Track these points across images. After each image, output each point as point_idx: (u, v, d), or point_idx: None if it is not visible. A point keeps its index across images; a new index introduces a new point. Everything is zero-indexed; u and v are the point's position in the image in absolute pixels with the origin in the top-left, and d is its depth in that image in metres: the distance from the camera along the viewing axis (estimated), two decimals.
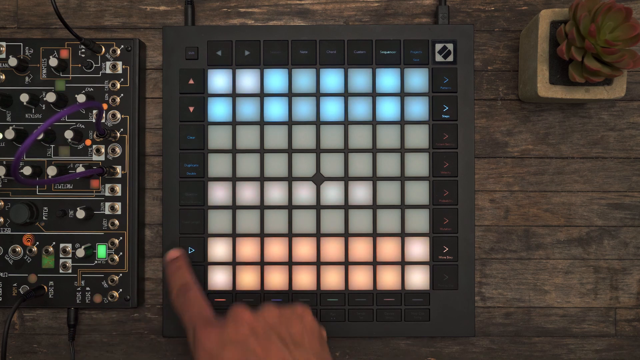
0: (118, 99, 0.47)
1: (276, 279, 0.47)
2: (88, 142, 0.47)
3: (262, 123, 0.48)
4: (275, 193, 0.47)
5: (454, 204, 0.47)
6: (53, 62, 0.46)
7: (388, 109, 0.47)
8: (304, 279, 0.47)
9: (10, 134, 0.45)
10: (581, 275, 0.49)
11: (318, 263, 0.47)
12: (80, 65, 0.47)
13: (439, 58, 0.47)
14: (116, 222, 0.47)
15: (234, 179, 0.47)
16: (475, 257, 0.49)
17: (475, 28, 0.49)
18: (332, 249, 0.47)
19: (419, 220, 0.47)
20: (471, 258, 0.47)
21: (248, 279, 0.47)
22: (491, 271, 0.49)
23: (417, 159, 0.47)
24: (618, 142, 0.49)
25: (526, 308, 0.49)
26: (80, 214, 0.46)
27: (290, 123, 0.47)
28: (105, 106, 0.47)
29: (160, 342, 0.49)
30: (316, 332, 0.40)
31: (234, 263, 0.47)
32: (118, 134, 0.47)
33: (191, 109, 0.47)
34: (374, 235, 0.47)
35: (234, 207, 0.47)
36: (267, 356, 0.36)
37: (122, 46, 0.47)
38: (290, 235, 0.47)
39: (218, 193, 0.47)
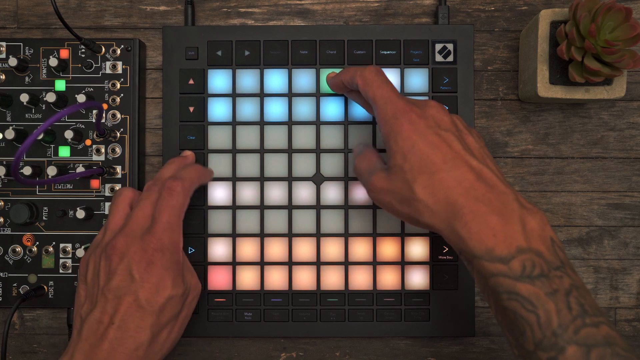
0: (118, 99, 0.47)
1: (276, 279, 0.47)
2: (88, 142, 0.47)
3: (262, 123, 0.48)
4: (275, 193, 0.47)
5: None
6: (53, 62, 0.46)
7: None
8: (304, 279, 0.47)
9: (10, 134, 0.45)
10: (581, 275, 0.49)
11: (318, 263, 0.47)
12: (80, 65, 0.47)
13: (439, 58, 0.47)
14: None
15: (234, 179, 0.47)
16: None
17: (475, 28, 0.49)
18: (332, 249, 0.47)
19: None
20: None
21: (248, 279, 0.47)
22: None
23: None
24: (618, 142, 0.49)
25: None
26: (80, 214, 0.46)
27: (290, 123, 0.47)
28: (105, 106, 0.47)
29: None
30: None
31: (234, 263, 0.47)
32: (118, 134, 0.47)
33: (191, 109, 0.47)
34: (374, 235, 0.47)
35: (234, 207, 0.47)
36: (464, 138, 0.38)
37: (122, 46, 0.47)
38: (290, 235, 0.47)
39: (218, 193, 0.47)
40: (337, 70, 0.47)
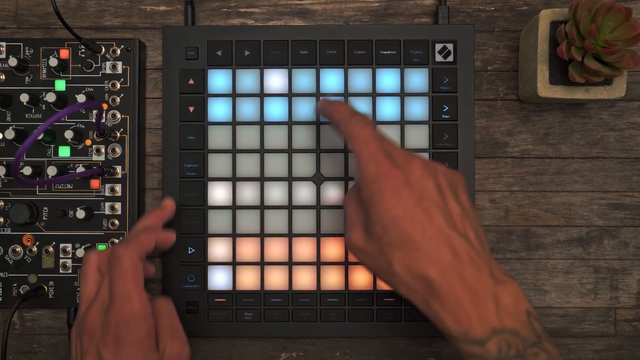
0: (118, 99, 0.47)
1: (276, 279, 0.47)
2: (88, 142, 0.47)
3: (262, 123, 0.48)
4: (275, 193, 0.47)
5: None
6: (53, 62, 0.46)
7: (388, 109, 0.47)
8: (304, 279, 0.47)
9: (10, 134, 0.45)
10: (581, 275, 0.49)
11: (318, 263, 0.47)
12: (80, 65, 0.47)
13: (439, 58, 0.47)
14: (116, 222, 0.47)
15: (234, 179, 0.47)
16: None
17: (475, 28, 0.49)
18: (332, 249, 0.47)
19: None
20: None
21: (248, 279, 0.47)
22: None
23: None
24: (618, 142, 0.49)
25: None
26: (80, 214, 0.46)
27: (290, 123, 0.47)
28: (105, 106, 0.47)
29: None
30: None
31: (234, 263, 0.47)
32: (118, 134, 0.47)
33: (191, 109, 0.47)
34: None
35: (234, 207, 0.47)
36: (447, 205, 0.36)
37: (122, 46, 0.47)
38: (290, 235, 0.47)
39: (218, 193, 0.47)
40: (337, 71, 0.47)
